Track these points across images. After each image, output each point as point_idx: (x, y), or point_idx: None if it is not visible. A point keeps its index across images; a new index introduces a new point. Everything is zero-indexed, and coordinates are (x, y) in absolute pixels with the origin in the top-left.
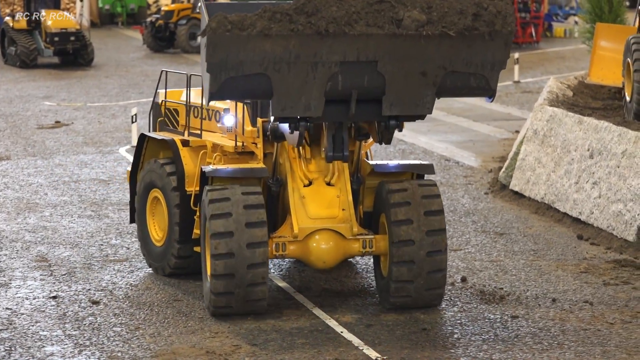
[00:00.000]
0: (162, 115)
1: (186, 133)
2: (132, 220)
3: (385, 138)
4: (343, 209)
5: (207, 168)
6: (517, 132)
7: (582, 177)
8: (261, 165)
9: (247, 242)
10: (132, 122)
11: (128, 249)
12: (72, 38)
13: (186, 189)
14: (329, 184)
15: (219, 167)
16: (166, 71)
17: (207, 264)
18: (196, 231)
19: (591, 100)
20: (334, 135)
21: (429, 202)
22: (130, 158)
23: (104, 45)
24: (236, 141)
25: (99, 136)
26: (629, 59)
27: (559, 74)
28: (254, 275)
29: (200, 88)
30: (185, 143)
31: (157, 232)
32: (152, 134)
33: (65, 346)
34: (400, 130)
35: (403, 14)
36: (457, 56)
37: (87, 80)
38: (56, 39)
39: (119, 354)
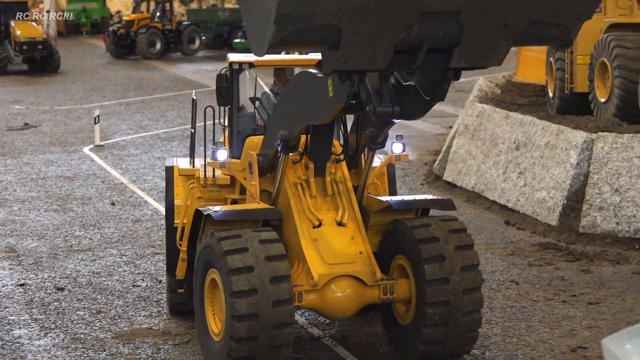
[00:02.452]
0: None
1: (190, 160)
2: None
3: (439, 93)
4: (360, 252)
5: (209, 210)
6: (451, 127)
7: (509, 168)
8: (265, 205)
9: (270, 277)
10: (95, 123)
11: (91, 239)
12: (40, 47)
13: (175, 221)
14: (340, 223)
15: (225, 209)
16: (194, 97)
17: (208, 315)
18: (180, 273)
19: (517, 97)
20: (378, 87)
21: (458, 236)
22: (93, 156)
23: (70, 53)
24: (206, 173)
25: (65, 137)
26: (551, 58)
27: (489, 74)
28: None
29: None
30: (181, 172)
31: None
32: (168, 160)
33: (32, 329)
34: (457, 79)
35: None
36: (546, 6)
37: (54, 85)
38: (25, 47)
39: (82, 336)
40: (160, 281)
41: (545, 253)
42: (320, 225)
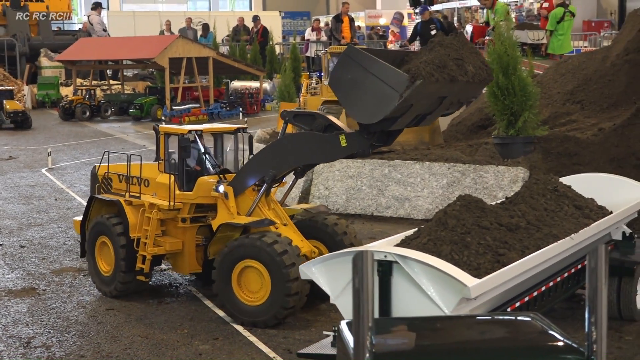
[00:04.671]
0: (99, 182)
1: (127, 195)
2: (82, 255)
3: (390, 140)
4: (302, 240)
5: (250, 224)
6: None
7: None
8: (258, 217)
9: (298, 253)
10: (49, 156)
11: (42, 219)
12: (20, 114)
13: (130, 235)
14: (285, 224)
15: (254, 220)
16: (108, 152)
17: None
18: (146, 267)
19: None
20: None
21: (350, 229)
22: (47, 174)
23: (38, 118)
24: (170, 202)
25: (32, 163)
26: None
27: (264, 127)
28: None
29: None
30: (127, 202)
31: (105, 266)
32: (100, 196)
33: (5, 269)
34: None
35: (467, 67)
36: (468, 94)
37: (28, 136)
38: (12, 115)
39: (33, 272)
40: (79, 241)
41: None
42: (277, 227)
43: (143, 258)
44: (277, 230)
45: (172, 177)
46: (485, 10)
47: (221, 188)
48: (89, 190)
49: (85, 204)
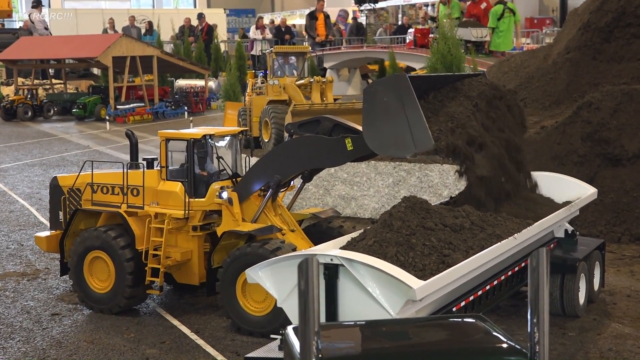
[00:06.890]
0: (64, 194)
1: (124, 206)
2: (63, 274)
3: None
4: (310, 246)
5: (256, 232)
6: None
7: None
8: (263, 224)
9: None
10: None
11: None
12: None
13: (137, 247)
14: (292, 230)
15: (259, 227)
16: (92, 161)
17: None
18: (152, 279)
19: None
20: None
21: (346, 224)
22: None
23: None
24: (185, 210)
25: None
26: (240, 119)
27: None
28: None
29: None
30: (128, 214)
31: (97, 282)
32: (90, 208)
33: None
34: None
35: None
36: None
37: None
38: None
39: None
40: (22, 244)
41: None
42: (284, 234)
43: (152, 270)
44: (284, 237)
45: (182, 184)
46: (436, 6)
47: (225, 194)
48: (32, 192)
49: (28, 206)
